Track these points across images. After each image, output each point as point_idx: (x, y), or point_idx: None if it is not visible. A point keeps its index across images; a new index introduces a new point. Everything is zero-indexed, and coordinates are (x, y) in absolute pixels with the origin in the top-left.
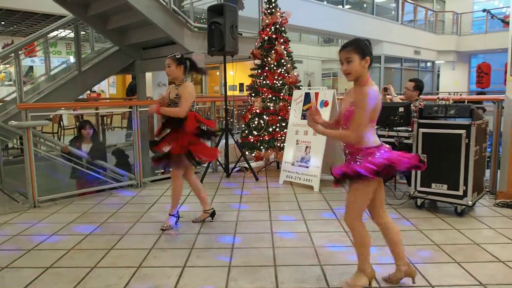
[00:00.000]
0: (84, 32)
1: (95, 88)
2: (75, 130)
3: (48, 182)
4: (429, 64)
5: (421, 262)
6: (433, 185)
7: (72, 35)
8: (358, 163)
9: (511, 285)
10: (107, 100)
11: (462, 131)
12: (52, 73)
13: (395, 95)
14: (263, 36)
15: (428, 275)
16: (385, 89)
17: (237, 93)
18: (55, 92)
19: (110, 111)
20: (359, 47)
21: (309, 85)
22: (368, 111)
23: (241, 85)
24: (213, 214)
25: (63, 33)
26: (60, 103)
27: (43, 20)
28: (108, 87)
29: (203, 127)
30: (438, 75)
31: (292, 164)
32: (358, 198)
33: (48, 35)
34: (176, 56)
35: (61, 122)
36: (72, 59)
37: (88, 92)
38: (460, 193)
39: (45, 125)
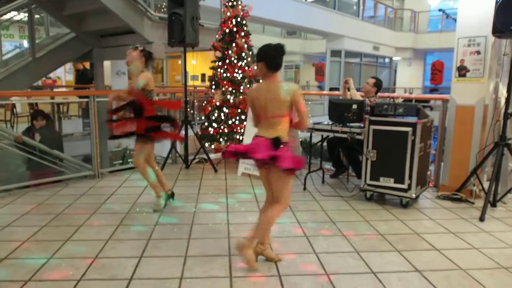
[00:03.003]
0: (38, 16)
1: (51, 74)
2: (29, 117)
3: (1, 172)
4: (387, 60)
5: (366, 251)
6: (381, 178)
7: (26, 18)
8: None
9: (444, 271)
10: (64, 89)
11: (409, 129)
12: (4, 58)
13: (353, 88)
14: (224, 28)
15: (370, 263)
16: (346, 82)
17: (199, 82)
18: (8, 79)
19: (67, 99)
20: (257, 55)
21: None
22: None
23: (203, 75)
24: (173, 195)
25: (16, 16)
26: (13, 92)
27: None
28: (65, 73)
29: (161, 114)
30: (395, 71)
31: None
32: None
33: None
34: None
35: (14, 110)
36: (25, 43)
37: (44, 78)
38: (405, 186)
39: None
